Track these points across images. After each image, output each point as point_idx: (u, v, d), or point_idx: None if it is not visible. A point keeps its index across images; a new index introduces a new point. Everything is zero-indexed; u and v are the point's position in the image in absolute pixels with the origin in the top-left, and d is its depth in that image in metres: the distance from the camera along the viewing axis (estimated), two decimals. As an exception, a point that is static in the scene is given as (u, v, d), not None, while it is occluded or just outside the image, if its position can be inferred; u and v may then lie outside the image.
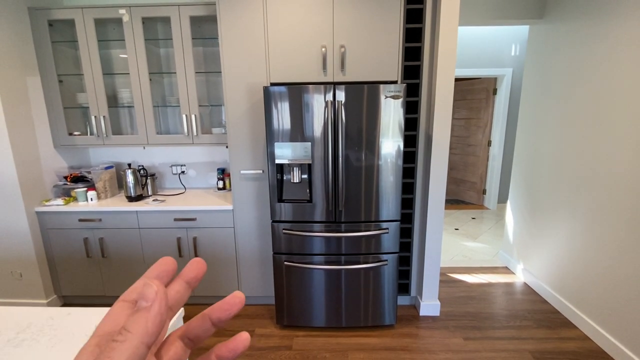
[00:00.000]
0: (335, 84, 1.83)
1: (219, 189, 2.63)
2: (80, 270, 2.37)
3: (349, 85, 1.81)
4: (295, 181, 1.97)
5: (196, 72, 2.29)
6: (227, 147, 2.63)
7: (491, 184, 4.85)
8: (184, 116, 2.31)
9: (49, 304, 2.39)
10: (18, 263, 2.30)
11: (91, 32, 2.21)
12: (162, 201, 2.36)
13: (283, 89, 1.82)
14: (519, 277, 2.84)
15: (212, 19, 2.24)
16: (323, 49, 1.96)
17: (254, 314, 2.35)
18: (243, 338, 0.24)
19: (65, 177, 2.43)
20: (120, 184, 2.68)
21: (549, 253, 2.45)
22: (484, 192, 4.97)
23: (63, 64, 2.37)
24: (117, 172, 2.69)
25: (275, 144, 1.89)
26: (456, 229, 4.08)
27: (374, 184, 1.94)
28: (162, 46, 2.50)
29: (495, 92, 4.59)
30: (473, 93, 4.90)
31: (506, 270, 2.98)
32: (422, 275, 2.31)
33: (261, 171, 2.17)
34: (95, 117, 2.33)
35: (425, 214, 2.24)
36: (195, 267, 0.24)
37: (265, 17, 1.95)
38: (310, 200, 1.97)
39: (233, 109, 2.09)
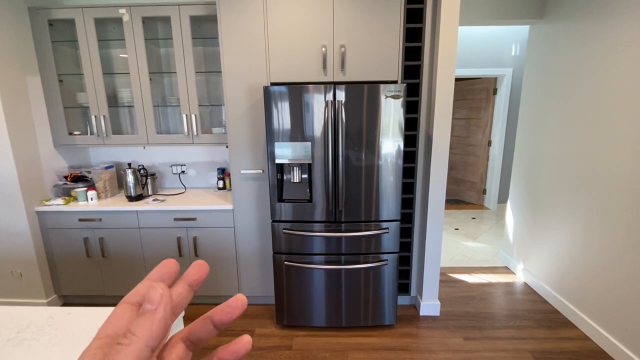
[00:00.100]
0: (335, 84, 1.83)
1: (219, 188, 2.63)
2: (81, 270, 2.37)
3: (349, 85, 1.81)
4: (295, 181, 1.97)
5: (196, 72, 2.29)
6: (227, 146, 2.63)
7: (491, 184, 4.85)
8: (184, 116, 2.31)
9: (49, 304, 2.39)
10: (18, 263, 2.30)
11: (91, 32, 2.21)
12: (162, 201, 2.36)
13: (283, 88, 1.82)
14: (519, 277, 2.84)
15: (212, 19, 2.24)
16: (323, 49, 1.96)
17: (254, 314, 2.35)
18: (245, 341, 0.24)
19: (66, 177, 2.43)
20: (121, 183, 2.68)
21: (549, 253, 2.45)
22: (484, 192, 4.97)
23: (63, 64, 2.37)
24: (117, 172, 2.68)
25: (276, 143, 1.89)
26: (456, 229, 4.08)
27: (374, 184, 1.94)
28: (162, 46, 2.50)
29: (495, 92, 4.59)
30: (473, 93, 4.90)
31: (506, 270, 2.99)
32: (422, 275, 2.31)
33: (261, 171, 2.17)
34: (95, 116, 2.33)
35: (425, 213, 2.24)
36: (198, 269, 0.24)
37: (266, 17, 1.94)
38: (310, 200, 1.97)
39: (233, 109, 2.08)
